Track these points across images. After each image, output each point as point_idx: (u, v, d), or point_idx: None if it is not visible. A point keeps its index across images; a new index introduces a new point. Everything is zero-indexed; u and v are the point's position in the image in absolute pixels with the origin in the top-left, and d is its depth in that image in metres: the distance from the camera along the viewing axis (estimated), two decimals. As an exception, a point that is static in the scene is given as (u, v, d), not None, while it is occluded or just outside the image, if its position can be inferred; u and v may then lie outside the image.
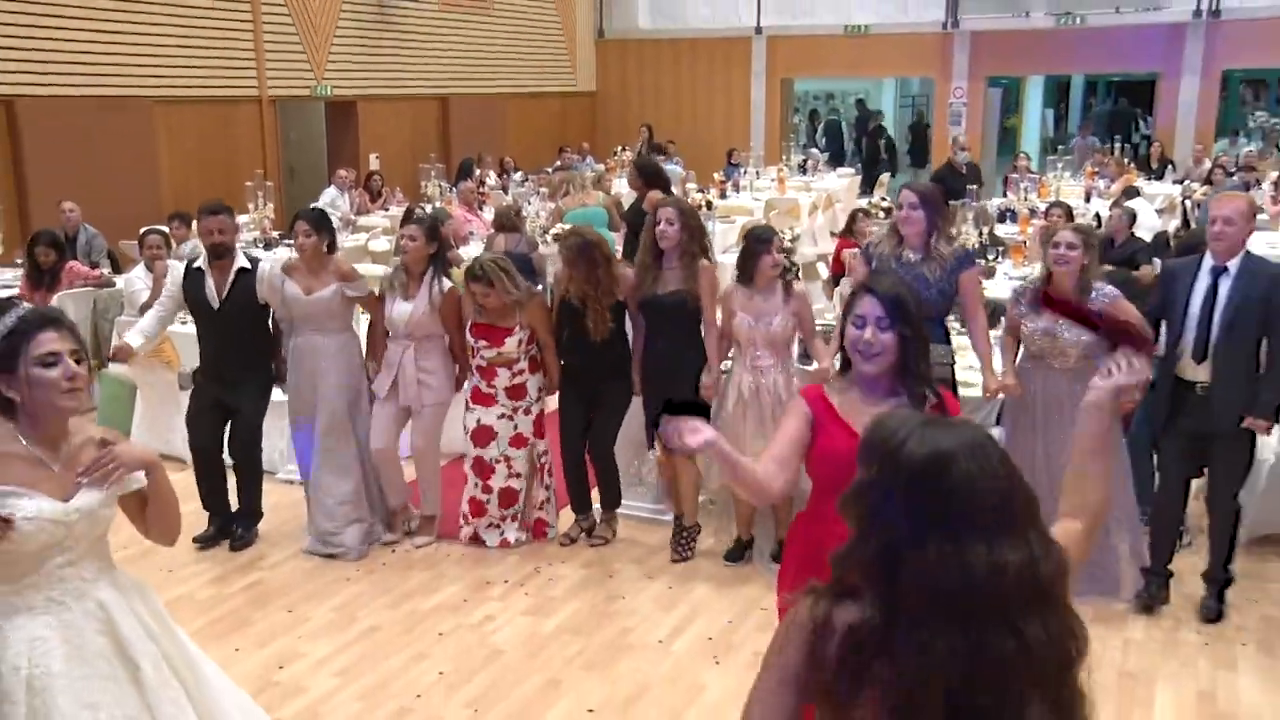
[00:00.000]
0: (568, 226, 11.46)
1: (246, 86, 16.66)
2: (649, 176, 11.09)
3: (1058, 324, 6.21)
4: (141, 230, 10.17)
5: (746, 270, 6.82)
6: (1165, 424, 6.26)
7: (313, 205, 11.64)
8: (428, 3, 19.73)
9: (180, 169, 14.69)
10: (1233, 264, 6.08)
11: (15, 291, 10.23)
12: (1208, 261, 6.15)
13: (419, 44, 19.82)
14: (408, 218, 8.54)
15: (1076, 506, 2.84)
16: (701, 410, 3.65)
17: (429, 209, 13.65)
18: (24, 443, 3.49)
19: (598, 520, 7.51)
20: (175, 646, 3.74)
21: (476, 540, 7.37)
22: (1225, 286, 6.07)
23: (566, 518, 7.60)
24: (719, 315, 7.00)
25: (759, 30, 23.48)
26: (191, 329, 8.28)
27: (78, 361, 3.49)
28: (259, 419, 7.45)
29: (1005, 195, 16.17)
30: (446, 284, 7.21)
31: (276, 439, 8.10)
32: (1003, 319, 6.79)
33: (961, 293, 6.44)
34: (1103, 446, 2.86)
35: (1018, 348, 6.64)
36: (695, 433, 3.42)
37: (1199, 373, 6.10)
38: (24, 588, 3.46)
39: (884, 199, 15.08)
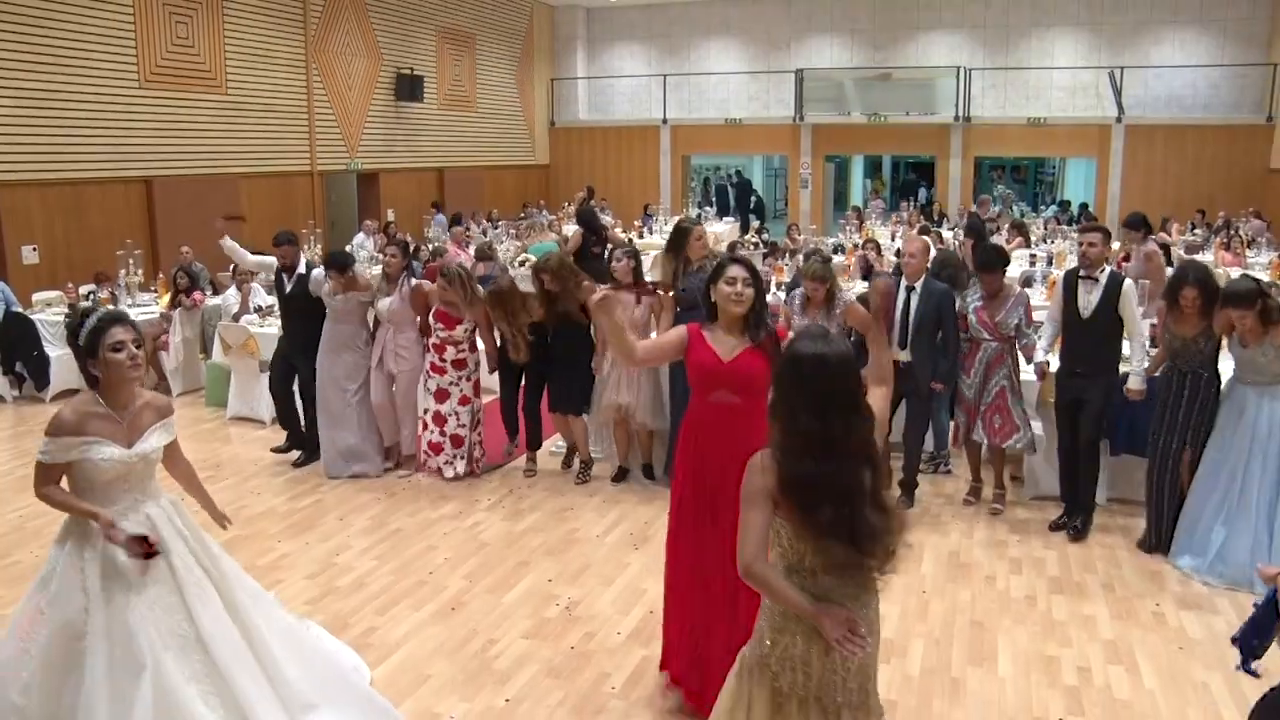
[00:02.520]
0: (530, 256, 11.70)
1: (302, 164, 16.64)
2: (583, 221, 11.35)
3: (815, 318, 6.51)
4: (232, 265, 10.33)
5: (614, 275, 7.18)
6: None
7: (345, 248, 11.92)
8: (430, 103, 19.66)
9: (257, 222, 14.66)
10: (918, 284, 6.57)
11: (158, 308, 10.42)
12: (904, 282, 6.62)
13: (423, 131, 19.75)
14: (390, 240, 8.79)
15: (874, 376, 3.26)
16: None
17: (430, 247, 13.84)
18: (103, 406, 3.63)
19: (531, 456, 7.62)
20: (201, 547, 3.83)
21: (437, 473, 7.46)
22: (915, 299, 6.54)
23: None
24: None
25: (665, 121, 23.47)
26: (269, 330, 8.57)
27: (138, 346, 3.65)
28: (313, 379, 7.60)
29: (837, 236, 16.67)
30: (414, 282, 7.48)
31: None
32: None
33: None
34: (872, 332, 3.34)
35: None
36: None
37: (902, 355, 6.50)
38: (101, 504, 3.60)
39: (752, 237, 15.44)
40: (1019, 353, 6.54)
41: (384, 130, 18.67)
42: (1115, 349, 6.22)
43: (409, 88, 18.81)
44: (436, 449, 7.49)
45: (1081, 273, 6.22)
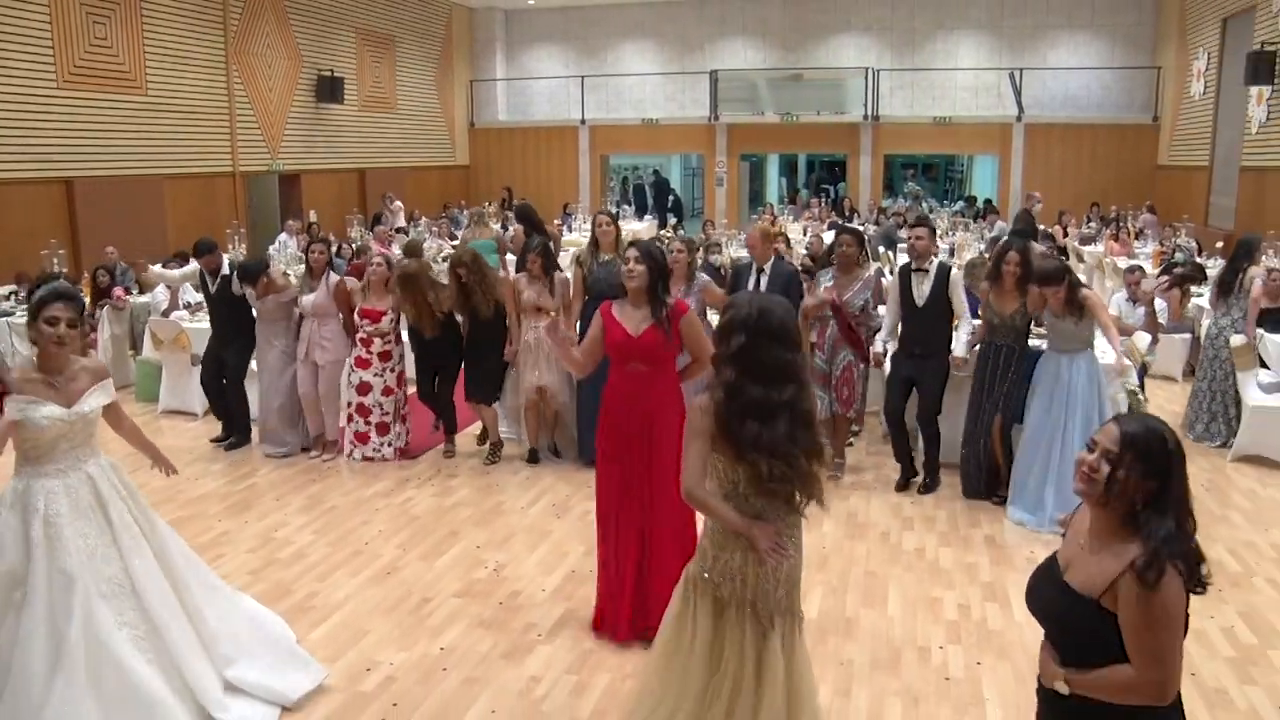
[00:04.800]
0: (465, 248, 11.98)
1: (224, 165, 16.72)
2: (523, 217, 11.65)
3: (677, 293, 6.97)
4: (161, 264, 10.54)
5: (523, 266, 7.63)
6: None
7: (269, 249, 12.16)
8: (350, 104, 19.81)
9: (180, 223, 14.76)
10: (767, 266, 7.19)
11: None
12: (755, 264, 7.23)
13: (344, 133, 19.88)
14: (313, 239, 9.13)
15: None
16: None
17: (354, 245, 14.08)
18: (39, 373, 3.95)
19: (449, 441, 8.01)
20: (137, 506, 4.14)
21: (367, 459, 7.79)
22: (764, 280, 7.13)
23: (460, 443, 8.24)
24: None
25: (583, 121, 23.78)
26: (200, 325, 8.85)
27: (71, 326, 3.93)
28: (241, 369, 8.04)
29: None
30: (335, 278, 7.77)
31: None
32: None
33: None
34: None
35: None
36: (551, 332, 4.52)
37: None
38: (44, 461, 3.91)
39: (668, 233, 15.92)
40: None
41: (305, 131, 18.79)
42: (946, 331, 6.89)
43: (329, 89, 18.96)
44: (363, 439, 7.84)
45: (913, 265, 6.91)
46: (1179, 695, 2.45)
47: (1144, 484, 2.40)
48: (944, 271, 6.83)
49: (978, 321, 6.96)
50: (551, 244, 9.75)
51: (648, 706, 3.57)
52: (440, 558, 5.99)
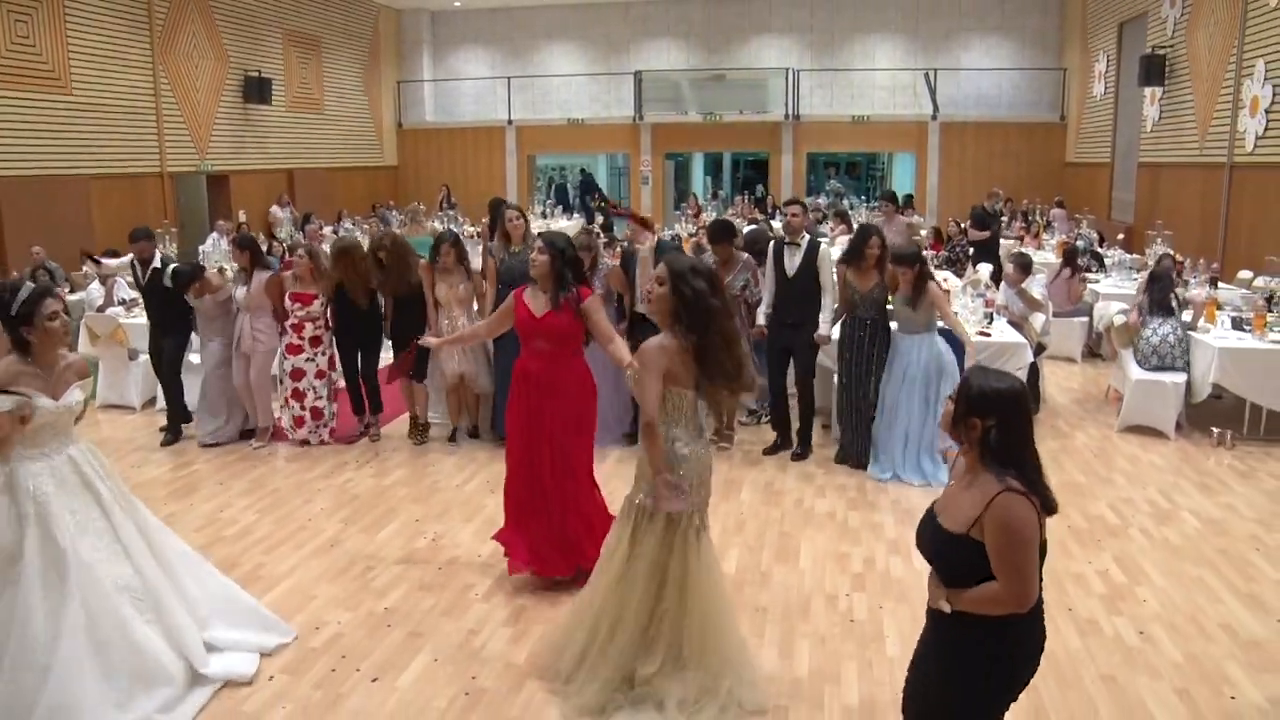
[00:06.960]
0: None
1: (151, 165, 16.74)
2: (493, 211, 11.87)
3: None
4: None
5: (435, 258, 7.95)
6: None
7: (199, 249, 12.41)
8: (278, 105, 19.85)
9: (108, 224, 14.77)
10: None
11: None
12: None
13: (272, 133, 19.93)
14: (231, 240, 9.45)
15: None
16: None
17: (285, 244, 14.26)
18: (30, 366, 4.23)
19: (373, 421, 8.41)
20: (116, 484, 4.46)
21: (305, 443, 8.14)
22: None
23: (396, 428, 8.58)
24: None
25: (510, 122, 24.04)
26: (136, 320, 9.04)
27: (66, 314, 4.31)
28: (177, 359, 8.31)
29: (675, 227, 17.72)
30: (265, 274, 8.03)
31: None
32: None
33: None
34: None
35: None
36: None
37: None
38: (29, 447, 4.15)
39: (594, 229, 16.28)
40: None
41: (233, 132, 18.84)
42: (816, 302, 7.42)
43: (257, 90, 19.01)
44: (299, 423, 8.16)
45: (786, 239, 7.45)
46: (1041, 609, 2.89)
47: (983, 422, 2.85)
48: (814, 246, 7.37)
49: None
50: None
51: (587, 624, 4.19)
52: (381, 531, 6.32)
